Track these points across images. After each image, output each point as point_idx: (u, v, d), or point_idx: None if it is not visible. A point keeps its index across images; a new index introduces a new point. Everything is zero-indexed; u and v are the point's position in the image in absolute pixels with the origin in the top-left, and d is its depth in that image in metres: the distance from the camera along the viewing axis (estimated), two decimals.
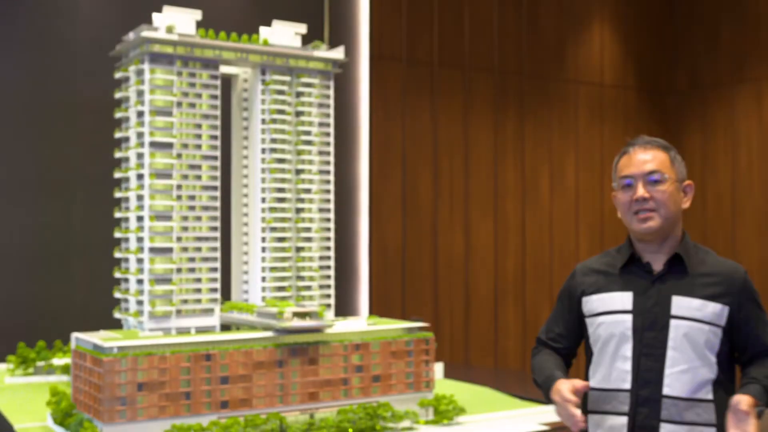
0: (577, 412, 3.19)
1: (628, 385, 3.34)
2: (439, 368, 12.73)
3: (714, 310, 3.32)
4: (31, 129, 13.22)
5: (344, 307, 13.47)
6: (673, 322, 3.30)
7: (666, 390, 3.27)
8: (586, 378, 3.56)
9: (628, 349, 3.35)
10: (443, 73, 15.78)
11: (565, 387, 3.24)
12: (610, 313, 3.42)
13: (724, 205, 16.26)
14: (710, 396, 3.28)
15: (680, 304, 3.31)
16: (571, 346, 3.70)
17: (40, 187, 13.24)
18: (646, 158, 3.43)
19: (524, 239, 16.88)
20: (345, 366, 10.73)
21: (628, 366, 3.35)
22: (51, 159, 13.38)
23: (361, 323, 11.60)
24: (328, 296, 12.07)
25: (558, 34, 17.53)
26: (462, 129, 16.00)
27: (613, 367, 3.39)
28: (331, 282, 12.13)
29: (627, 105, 18.29)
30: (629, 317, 3.37)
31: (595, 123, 17.90)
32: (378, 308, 14.01)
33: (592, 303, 3.51)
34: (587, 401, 3.49)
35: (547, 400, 3.45)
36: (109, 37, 12.18)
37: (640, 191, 3.38)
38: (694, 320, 3.29)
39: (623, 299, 3.41)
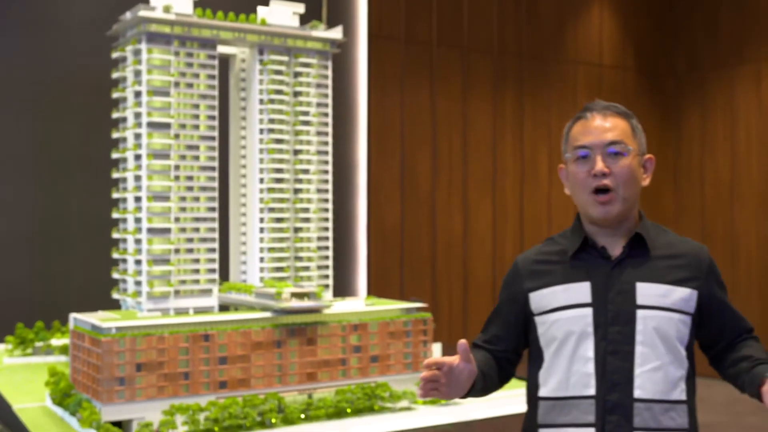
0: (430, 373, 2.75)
1: (592, 391, 2.84)
2: (437, 348, 12.75)
3: (682, 295, 2.90)
4: (28, 109, 13.17)
5: (342, 287, 13.47)
6: (639, 313, 2.84)
7: (637, 393, 2.81)
8: (531, 388, 3.08)
9: (589, 349, 2.86)
10: (442, 54, 15.72)
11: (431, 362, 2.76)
12: (567, 308, 2.92)
13: (723, 188, 16.24)
14: (684, 396, 2.87)
15: (646, 291, 2.87)
16: (509, 348, 3.16)
17: (37, 167, 13.21)
18: (606, 126, 2.93)
19: (522, 220, 16.88)
20: (343, 346, 10.74)
21: (590, 368, 2.85)
22: (48, 140, 13.33)
23: (359, 304, 11.61)
24: (327, 277, 12.08)
25: (557, 15, 17.46)
26: (461, 110, 15.96)
27: (572, 370, 2.88)
28: (330, 262, 12.13)
29: (626, 86, 18.24)
30: (589, 311, 2.88)
31: None
32: (376, 289, 14.02)
33: (543, 298, 2.99)
34: (537, 413, 2.99)
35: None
36: (105, 17, 12.11)
37: (599, 165, 2.88)
38: (662, 309, 2.86)
39: (581, 291, 2.91)
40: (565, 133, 3.10)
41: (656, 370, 2.82)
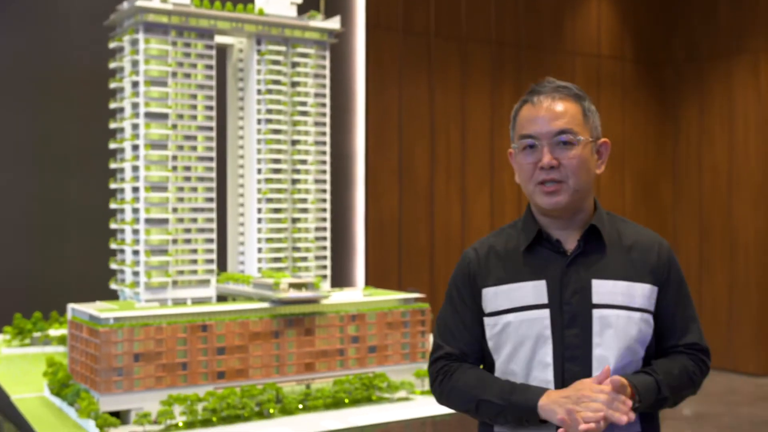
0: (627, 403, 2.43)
1: None
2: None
3: (642, 292, 2.63)
4: (25, 100, 13.14)
5: (340, 278, 13.47)
6: (596, 313, 2.57)
7: None
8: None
9: (548, 354, 2.58)
10: (440, 44, 15.69)
11: (589, 386, 2.42)
12: (522, 309, 2.62)
13: (721, 178, 16.25)
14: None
15: (601, 289, 2.59)
16: (479, 357, 2.78)
17: (34, 158, 13.19)
18: (554, 112, 2.64)
19: (520, 210, 16.88)
20: (341, 337, 10.76)
21: (549, 375, 2.57)
22: (46, 130, 13.31)
23: (357, 294, 11.62)
24: (324, 267, 12.08)
25: (555, 5, 17.43)
26: (459, 100, 15.95)
27: (530, 378, 2.59)
28: (327, 253, 12.13)
29: (624, 77, 18.22)
30: (546, 312, 2.59)
31: (591, 94, 17.73)
32: (374, 279, 14.02)
33: (495, 297, 2.67)
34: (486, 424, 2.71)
35: (528, 421, 2.54)
36: (103, 7, 12.08)
37: (546, 157, 2.61)
38: (619, 308, 2.58)
39: (536, 290, 2.62)
40: (512, 116, 2.78)
41: (613, 374, 2.50)
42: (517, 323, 2.63)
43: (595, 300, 2.59)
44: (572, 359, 2.57)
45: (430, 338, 11.41)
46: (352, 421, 9.93)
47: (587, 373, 2.54)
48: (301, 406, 10.10)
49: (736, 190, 15.95)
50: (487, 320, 2.70)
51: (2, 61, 12.98)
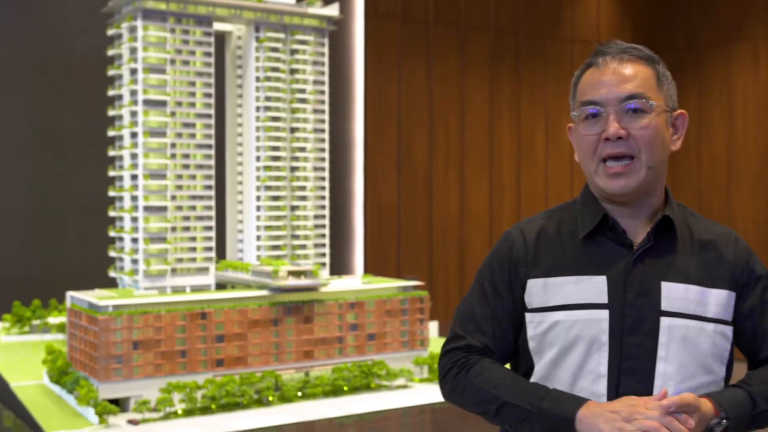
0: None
1: None
2: (433, 327, 12.79)
3: (719, 299, 2.24)
4: (24, 87, 13.11)
5: (339, 265, 13.48)
6: (664, 322, 2.19)
7: None
8: None
9: (602, 363, 2.19)
10: (439, 31, 15.65)
11: (644, 402, 2.03)
12: (576, 307, 2.23)
13: (720, 165, 16.25)
14: (718, 429, 2.14)
15: (672, 293, 2.21)
16: (509, 353, 2.37)
17: (33, 145, 13.16)
18: (623, 75, 2.25)
19: (519, 197, 16.87)
20: (340, 324, 10.77)
21: (602, 387, 2.18)
22: (44, 118, 13.28)
23: (356, 282, 11.62)
24: (323, 255, 12.08)
25: None
26: (457, 87, 15.92)
27: (576, 388, 2.20)
28: (326, 241, 12.13)
29: None
30: (605, 314, 2.21)
31: None
32: (373, 267, 14.03)
33: (543, 291, 2.28)
34: None
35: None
36: None
37: (614, 127, 2.19)
38: (693, 317, 2.21)
39: (595, 286, 2.23)
40: (573, 84, 2.37)
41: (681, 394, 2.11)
42: (569, 323, 2.23)
43: (665, 306, 2.20)
44: (630, 372, 2.18)
45: (429, 326, 11.44)
46: (351, 408, 9.95)
47: (647, 391, 2.15)
48: (300, 394, 10.11)
49: (735, 177, 15.96)
50: (530, 316, 2.28)
51: (1, 49, 12.94)
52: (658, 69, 2.28)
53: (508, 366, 2.37)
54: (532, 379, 2.26)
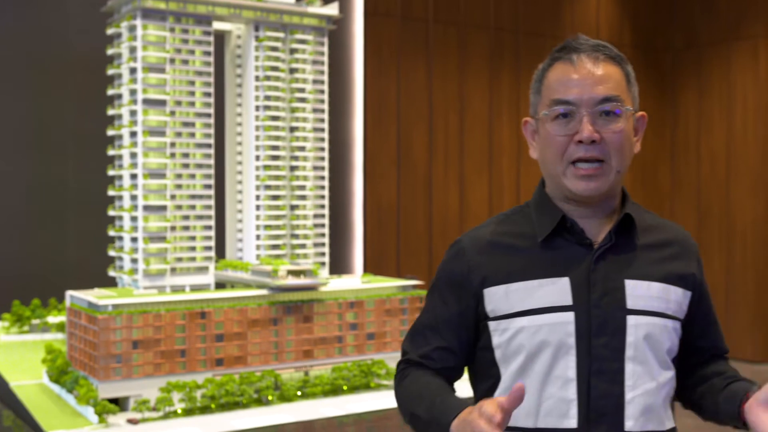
0: None
1: (573, 422, 2.10)
2: None
3: (676, 297, 2.22)
4: (23, 86, 13.10)
5: (339, 265, 13.48)
6: (630, 320, 2.14)
7: (629, 424, 2.11)
8: None
9: (570, 367, 2.12)
10: (438, 30, 15.64)
11: (490, 407, 1.80)
12: (541, 311, 2.15)
13: (719, 163, 16.25)
14: (673, 423, 2.21)
15: (636, 291, 2.16)
16: (458, 365, 2.29)
17: (32, 144, 13.16)
18: (597, 75, 2.15)
19: (519, 197, 16.87)
20: (339, 324, 10.77)
21: (572, 392, 2.11)
22: (44, 116, 13.27)
23: (355, 281, 11.63)
24: (323, 254, 12.08)
25: None
26: (457, 86, 15.91)
27: (545, 394, 2.13)
28: (326, 240, 12.13)
29: None
30: (570, 316, 2.13)
31: None
32: (372, 266, 14.03)
33: (506, 297, 2.18)
34: None
35: None
36: None
37: (588, 130, 2.11)
38: (657, 314, 2.17)
39: (558, 289, 2.15)
40: (538, 77, 2.25)
41: (649, 393, 2.15)
42: (534, 328, 2.15)
43: (630, 304, 2.15)
44: (600, 374, 2.12)
45: None
46: (351, 408, 9.95)
47: (618, 390, 2.11)
48: (299, 393, 10.12)
49: (735, 175, 15.96)
50: (493, 325, 2.20)
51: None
52: (627, 69, 2.23)
53: (465, 375, 2.32)
54: (499, 391, 2.19)
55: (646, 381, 2.13)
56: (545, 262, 2.17)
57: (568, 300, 2.14)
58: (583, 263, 2.16)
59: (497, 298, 2.19)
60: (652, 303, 2.16)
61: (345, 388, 10.35)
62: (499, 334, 2.19)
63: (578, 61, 2.16)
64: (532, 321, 2.14)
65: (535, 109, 2.25)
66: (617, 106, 2.13)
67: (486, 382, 2.26)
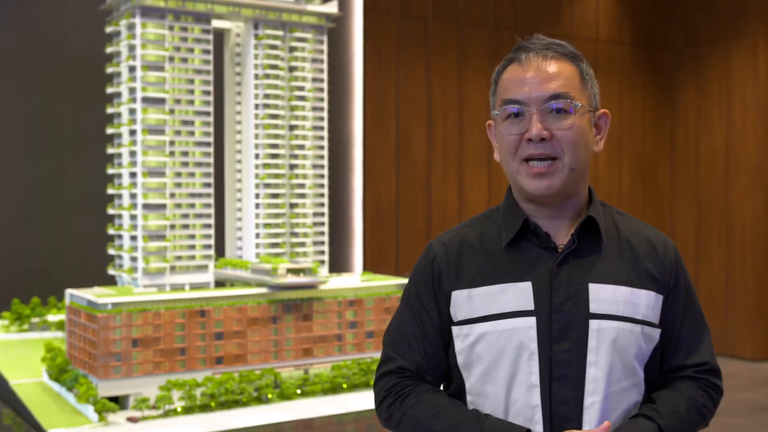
0: None
1: (539, 428, 2.08)
2: None
3: (647, 300, 2.16)
4: (22, 84, 13.10)
5: (338, 263, 13.48)
6: (593, 324, 2.09)
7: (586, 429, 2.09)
8: None
9: (533, 372, 2.09)
10: (438, 28, 15.64)
11: None
12: (502, 316, 2.12)
13: (718, 162, 16.25)
14: None
15: (600, 295, 2.12)
16: (440, 372, 2.27)
17: (31, 142, 13.15)
18: (546, 73, 2.15)
19: None
20: (339, 322, 10.77)
21: (535, 398, 2.09)
22: (42, 114, 13.27)
23: (355, 279, 11.63)
24: (322, 252, 12.08)
25: None
26: (456, 84, 15.92)
27: (510, 400, 2.11)
28: (325, 238, 12.13)
29: (622, 61, 18.17)
30: (532, 321, 2.10)
31: None
32: (372, 264, 14.03)
33: (467, 303, 2.16)
34: None
35: None
36: None
37: (536, 127, 2.10)
38: (623, 319, 2.12)
39: (520, 293, 2.12)
40: (494, 78, 2.26)
41: (609, 399, 2.10)
42: (496, 334, 2.11)
43: (593, 308, 2.11)
44: (561, 379, 2.09)
45: None
46: (350, 406, 9.95)
47: (580, 396, 2.08)
48: (299, 392, 10.12)
49: (734, 173, 15.97)
50: (456, 330, 2.18)
51: None
52: (582, 67, 2.23)
53: (443, 387, 2.31)
54: (467, 396, 2.18)
55: (607, 386, 2.09)
56: (509, 266, 2.15)
57: (530, 305, 2.11)
58: (547, 267, 2.14)
59: (460, 302, 2.17)
60: (617, 307, 2.12)
61: (344, 386, 10.36)
62: (461, 339, 2.17)
63: (527, 60, 2.18)
64: (494, 326, 2.12)
65: (492, 112, 2.27)
66: (568, 104, 2.12)
67: (449, 389, 2.26)
